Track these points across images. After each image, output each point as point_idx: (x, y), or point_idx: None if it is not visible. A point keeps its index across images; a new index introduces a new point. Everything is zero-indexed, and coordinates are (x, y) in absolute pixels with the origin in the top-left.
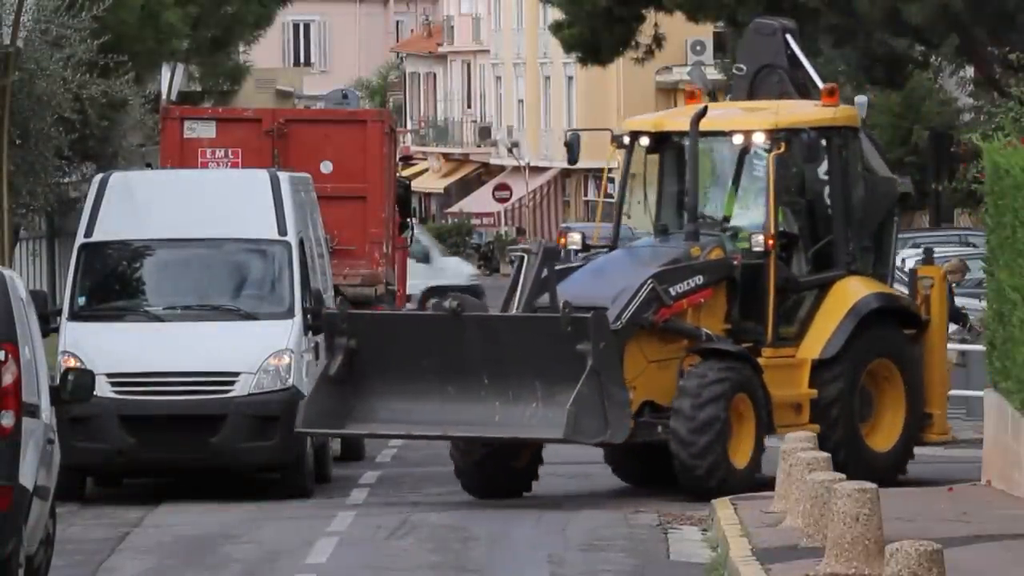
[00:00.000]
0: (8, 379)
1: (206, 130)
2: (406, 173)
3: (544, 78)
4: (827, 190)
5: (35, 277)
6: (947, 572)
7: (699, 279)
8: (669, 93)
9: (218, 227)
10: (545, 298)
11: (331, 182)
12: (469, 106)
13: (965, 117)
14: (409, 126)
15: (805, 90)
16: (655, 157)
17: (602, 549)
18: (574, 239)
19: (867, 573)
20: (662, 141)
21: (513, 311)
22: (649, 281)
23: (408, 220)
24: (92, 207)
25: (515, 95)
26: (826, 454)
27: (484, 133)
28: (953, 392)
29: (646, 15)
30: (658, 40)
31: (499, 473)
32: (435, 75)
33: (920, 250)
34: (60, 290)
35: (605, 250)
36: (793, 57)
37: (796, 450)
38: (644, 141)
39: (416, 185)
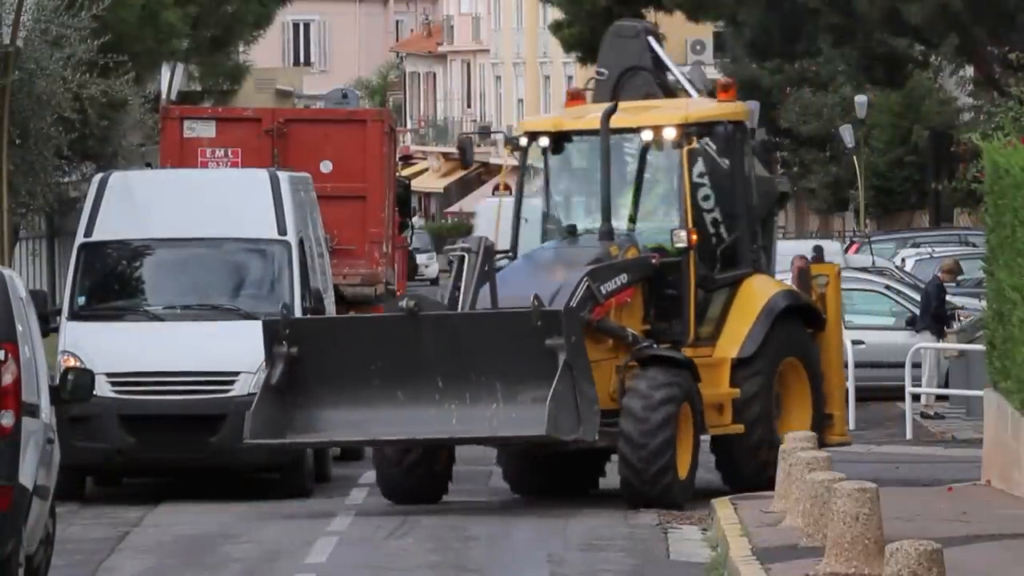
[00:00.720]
0: (8, 379)
1: (206, 130)
2: (406, 173)
3: (544, 77)
4: (701, 191)
5: (35, 277)
6: (947, 572)
7: (624, 278)
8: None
9: (218, 227)
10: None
11: (331, 182)
12: (469, 106)
13: (965, 117)
14: (409, 126)
15: (671, 92)
16: (555, 158)
17: (602, 549)
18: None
19: (867, 573)
20: (560, 141)
21: (460, 310)
22: (585, 279)
23: (408, 220)
24: (92, 207)
25: (515, 95)
26: (825, 454)
27: (484, 132)
28: (953, 392)
29: (646, 15)
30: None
31: (424, 477)
32: (435, 75)
33: (919, 250)
34: (60, 290)
35: (509, 255)
36: (657, 59)
37: (796, 449)
38: (543, 142)
39: (416, 185)
